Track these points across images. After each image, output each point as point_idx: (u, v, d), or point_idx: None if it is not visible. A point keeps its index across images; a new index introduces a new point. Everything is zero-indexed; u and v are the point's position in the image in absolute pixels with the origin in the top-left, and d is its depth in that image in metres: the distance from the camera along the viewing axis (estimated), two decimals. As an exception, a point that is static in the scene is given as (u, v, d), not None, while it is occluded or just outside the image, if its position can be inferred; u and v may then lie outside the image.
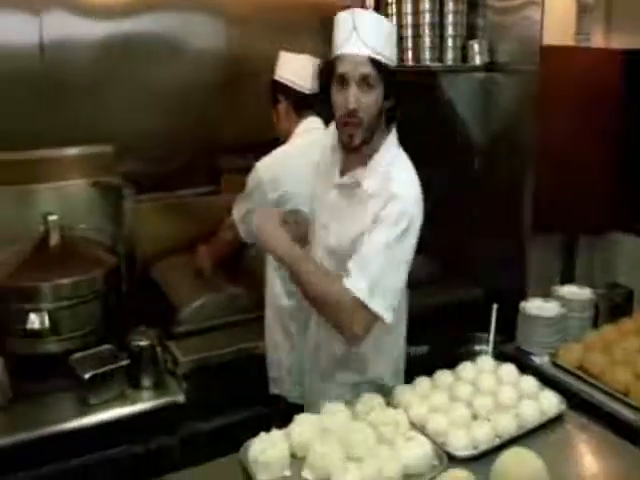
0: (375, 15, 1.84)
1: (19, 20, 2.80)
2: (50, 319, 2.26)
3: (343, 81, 1.78)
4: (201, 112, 3.19)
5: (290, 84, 2.52)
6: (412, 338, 2.13)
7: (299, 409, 2.03)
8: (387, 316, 1.80)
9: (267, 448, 1.66)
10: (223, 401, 2.47)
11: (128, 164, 2.86)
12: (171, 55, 3.10)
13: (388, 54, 1.80)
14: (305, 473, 1.66)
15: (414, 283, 1.95)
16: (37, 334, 2.25)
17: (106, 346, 2.26)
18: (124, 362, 2.18)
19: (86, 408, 2.15)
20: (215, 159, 3.34)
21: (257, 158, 2.49)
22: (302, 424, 1.78)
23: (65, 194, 2.73)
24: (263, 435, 1.72)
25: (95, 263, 2.47)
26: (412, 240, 1.82)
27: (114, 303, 2.48)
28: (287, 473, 1.67)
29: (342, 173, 1.94)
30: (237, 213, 2.51)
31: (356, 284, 1.76)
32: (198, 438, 2.36)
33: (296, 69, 2.53)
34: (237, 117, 3.21)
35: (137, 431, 2.20)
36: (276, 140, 2.58)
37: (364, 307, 1.76)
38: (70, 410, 2.16)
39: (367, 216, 1.83)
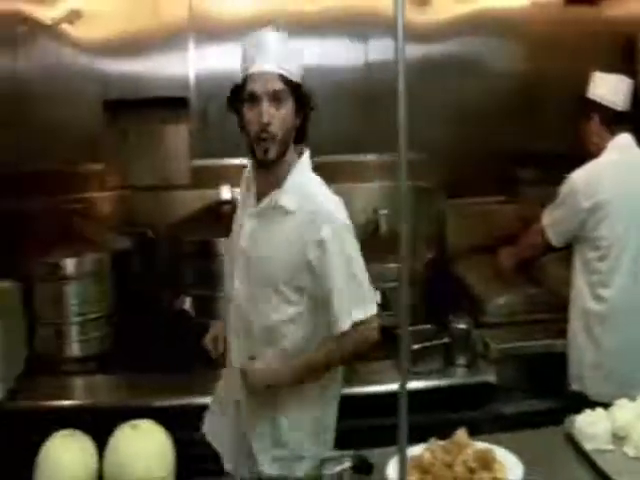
0: (280, 34, 1.88)
1: (346, 43, 3.28)
2: (382, 296, 2.65)
3: (254, 98, 1.82)
4: (498, 127, 3.43)
5: (603, 101, 2.67)
6: None
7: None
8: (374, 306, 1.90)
9: (595, 422, 1.85)
10: (525, 389, 2.67)
11: (437, 171, 3.20)
12: (474, 74, 3.38)
13: (295, 70, 1.85)
14: (627, 449, 1.82)
15: None
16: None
17: (427, 325, 2.60)
18: (445, 340, 2.49)
19: (409, 376, 2.49)
20: (509, 170, 3.56)
21: (554, 171, 2.68)
22: (623, 408, 1.94)
23: (385, 193, 3.14)
24: (588, 411, 1.91)
25: (412, 254, 2.85)
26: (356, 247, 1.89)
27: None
28: (610, 447, 1.84)
29: (259, 201, 1.95)
30: (547, 219, 2.70)
31: (347, 321, 1.83)
32: (501, 418, 2.58)
33: (610, 87, 2.68)
34: (535, 132, 3.41)
35: (449, 403, 2.49)
36: (576, 155, 2.74)
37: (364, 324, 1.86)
38: (394, 376, 2.50)
39: (289, 232, 1.87)
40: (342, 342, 1.86)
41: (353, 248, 1.87)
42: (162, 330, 2.65)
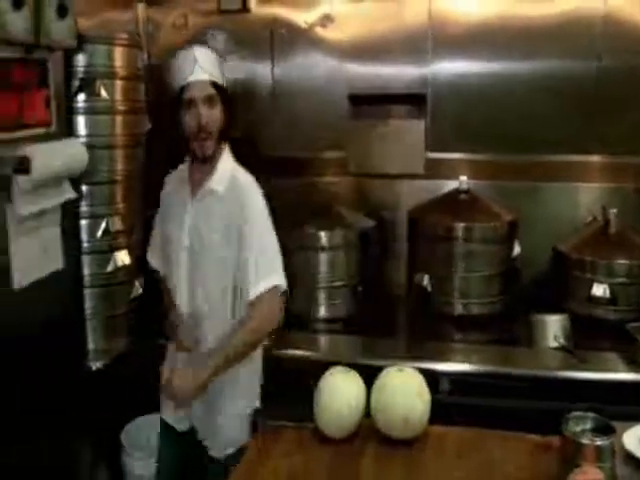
0: (208, 49, 2.23)
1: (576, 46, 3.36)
2: (610, 291, 2.75)
3: (191, 104, 2.11)
4: None
5: None
6: None
7: None
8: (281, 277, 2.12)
9: None
10: None
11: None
12: None
13: (221, 79, 2.17)
14: None
15: None
16: (599, 301, 2.76)
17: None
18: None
19: (634, 366, 2.57)
20: None
21: None
22: None
23: (607, 194, 3.22)
24: None
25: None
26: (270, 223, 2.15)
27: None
28: None
29: (194, 193, 2.22)
30: None
31: (256, 291, 2.08)
32: None
33: None
34: None
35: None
36: None
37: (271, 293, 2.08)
38: (620, 364, 2.59)
39: (222, 214, 2.13)
40: (250, 316, 2.09)
41: (266, 224, 2.14)
42: (399, 302, 2.95)
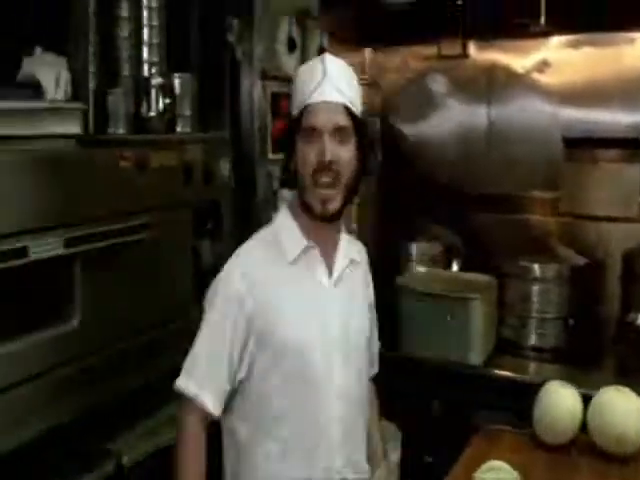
0: (345, 63, 1.59)
1: None
2: None
3: (313, 134, 1.49)
4: None
5: None
6: None
7: None
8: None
9: None
10: None
11: None
12: None
13: (359, 107, 1.56)
14: None
15: None
16: None
17: None
18: None
19: None
20: None
21: None
22: None
23: None
24: None
25: None
26: None
27: None
28: None
29: (329, 267, 1.60)
30: None
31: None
32: None
33: None
34: None
35: None
36: None
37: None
38: None
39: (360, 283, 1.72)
40: None
41: None
42: (609, 337, 3.01)
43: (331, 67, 1.53)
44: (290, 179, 1.59)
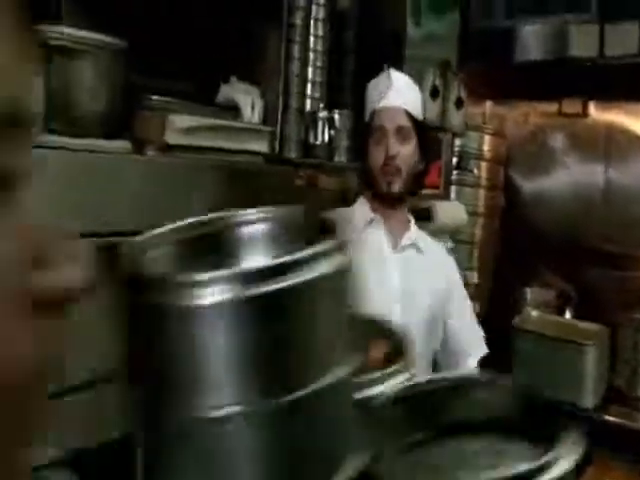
0: (407, 76, 1.97)
1: None
2: None
3: (380, 134, 1.86)
4: None
5: None
6: None
7: None
8: None
9: None
10: None
11: None
12: None
13: (418, 110, 1.91)
14: None
15: None
16: None
17: None
18: None
19: None
20: None
21: None
22: None
23: None
24: None
25: None
26: None
27: None
28: None
29: (394, 244, 1.92)
30: None
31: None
32: None
33: None
34: None
35: None
36: None
37: None
38: None
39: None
40: None
41: None
42: None
43: (395, 79, 1.91)
44: (368, 178, 1.94)
